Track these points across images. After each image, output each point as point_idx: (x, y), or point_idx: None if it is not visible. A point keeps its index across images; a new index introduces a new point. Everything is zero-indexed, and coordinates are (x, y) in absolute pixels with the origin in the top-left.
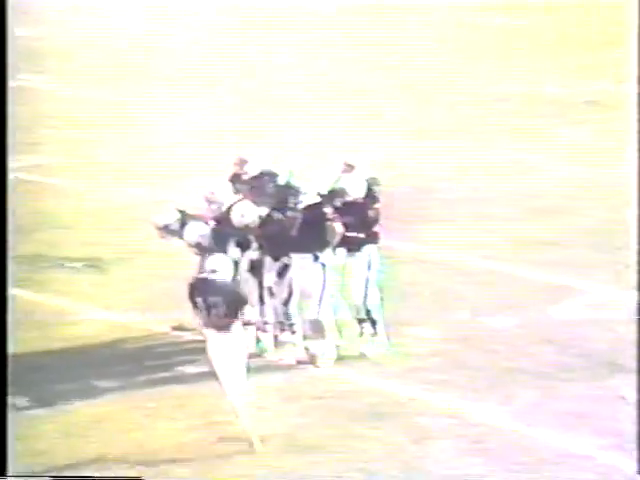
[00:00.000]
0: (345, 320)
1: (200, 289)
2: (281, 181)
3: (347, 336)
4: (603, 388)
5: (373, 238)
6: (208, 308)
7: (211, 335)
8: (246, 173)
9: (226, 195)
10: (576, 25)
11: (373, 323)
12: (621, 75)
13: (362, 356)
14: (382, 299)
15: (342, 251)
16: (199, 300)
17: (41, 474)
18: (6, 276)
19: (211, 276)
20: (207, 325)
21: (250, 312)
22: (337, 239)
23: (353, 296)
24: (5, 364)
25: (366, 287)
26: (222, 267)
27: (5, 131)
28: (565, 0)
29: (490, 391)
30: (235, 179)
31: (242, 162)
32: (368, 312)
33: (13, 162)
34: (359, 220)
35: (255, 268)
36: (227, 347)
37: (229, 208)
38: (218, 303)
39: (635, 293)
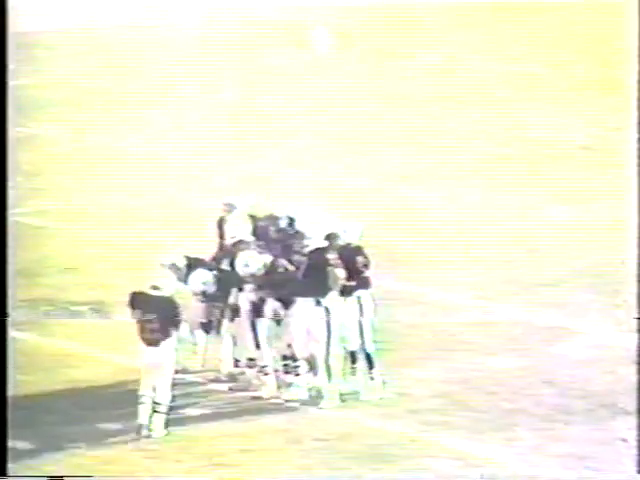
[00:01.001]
0: (341, 363)
1: (138, 302)
2: (282, 224)
3: (345, 379)
4: (604, 430)
5: (364, 284)
6: (142, 322)
7: (143, 348)
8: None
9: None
10: (573, 69)
11: (370, 367)
12: (617, 121)
13: (356, 398)
14: (377, 342)
15: (334, 295)
16: (137, 312)
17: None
18: (6, 320)
19: (151, 291)
20: (141, 338)
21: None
22: (339, 285)
23: (348, 341)
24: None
25: (361, 331)
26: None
27: (5, 177)
28: (562, 45)
29: (491, 432)
30: (222, 223)
31: (230, 207)
32: (367, 356)
33: (17, 208)
34: (350, 266)
35: (260, 313)
36: (155, 362)
37: (233, 257)
38: (153, 319)
39: (635, 336)
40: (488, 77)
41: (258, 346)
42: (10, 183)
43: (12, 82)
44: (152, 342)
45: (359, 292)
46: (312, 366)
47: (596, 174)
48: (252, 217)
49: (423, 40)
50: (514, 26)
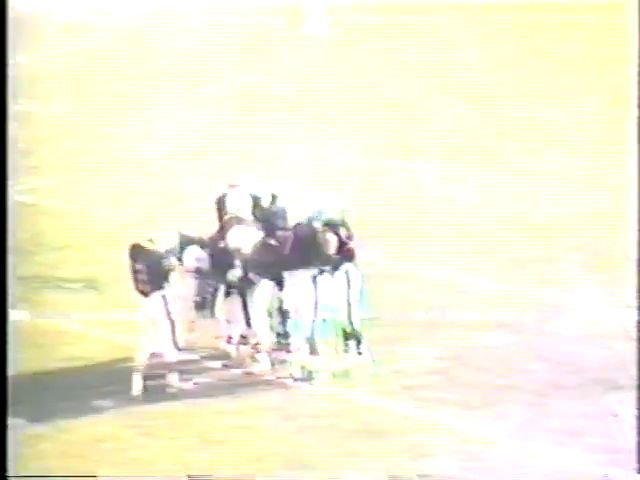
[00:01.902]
0: (332, 338)
1: (134, 253)
2: (265, 204)
3: (335, 354)
4: (596, 405)
5: (350, 256)
6: (135, 272)
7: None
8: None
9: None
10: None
11: (357, 342)
12: (616, 98)
13: (346, 374)
14: (370, 319)
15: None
16: (130, 264)
17: (41, 475)
18: (6, 297)
19: (145, 244)
20: (135, 289)
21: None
22: (334, 248)
23: (337, 315)
24: (5, 382)
25: (348, 305)
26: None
27: (5, 155)
28: (561, 22)
29: (484, 408)
30: (221, 202)
31: (232, 187)
32: (353, 330)
33: (13, 185)
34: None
35: (252, 290)
36: (149, 314)
37: (224, 232)
38: (143, 270)
39: (633, 311)
40: (486, 63)
41: (250, 323)
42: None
43: (10, 58)
44: (143, 293)
45: (346, 265)
46: (304, 342)
47: (592, 153)
48: (252, 197)
49: (420, 23)
50: (512, 22)
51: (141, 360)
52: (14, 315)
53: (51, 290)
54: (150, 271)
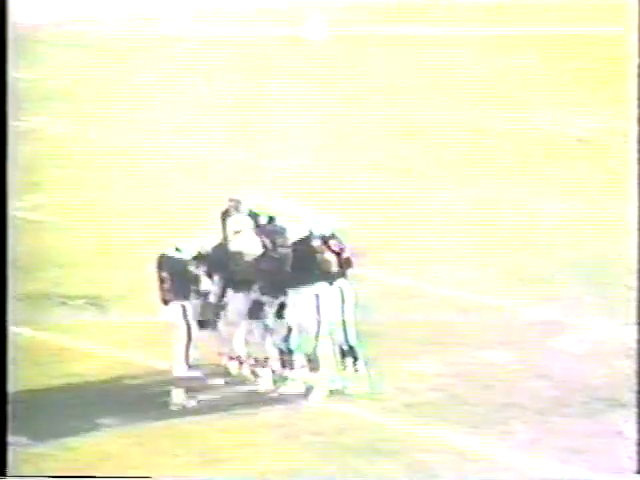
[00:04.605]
0: (333, 357)
1: (160, 263)
2: (263, 221)
3: (335, 371)
4: (601, 423)
5: (347, 265)
6: (160, 281)
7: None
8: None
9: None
10: (571, 61)
11: (354, 359)
12: (616, 114)
13: (342, 392)
14: (372, 336)
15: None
16: (158, 272)
17: (41, 475)
18: (6, 314)
19: (171, 253)
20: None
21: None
22: (333, 268)
23: (334, 332)
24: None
25: (343, 322)
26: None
27: (5, 171)
28: (559, 35)
29: (488, 426)
30: (225, 216)
31: (236, 203)
32: (349, 347)
33: (15, 202)
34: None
35: (255, 308)
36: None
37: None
38: (166, 277)
39: (633, 328)
40: (485, 72)
41: (254, 340)
42: (11, 179)
43: (11, 75)
44: (164, 301)
45: (340, 282)
46: (307, 359)
47: (593, 167)
48: (251, 214)
49: (420, 32)
50: (513, 22)
51: (180, 373)
52: (17, 332)
53: (55, 307)
54: (173, 280)
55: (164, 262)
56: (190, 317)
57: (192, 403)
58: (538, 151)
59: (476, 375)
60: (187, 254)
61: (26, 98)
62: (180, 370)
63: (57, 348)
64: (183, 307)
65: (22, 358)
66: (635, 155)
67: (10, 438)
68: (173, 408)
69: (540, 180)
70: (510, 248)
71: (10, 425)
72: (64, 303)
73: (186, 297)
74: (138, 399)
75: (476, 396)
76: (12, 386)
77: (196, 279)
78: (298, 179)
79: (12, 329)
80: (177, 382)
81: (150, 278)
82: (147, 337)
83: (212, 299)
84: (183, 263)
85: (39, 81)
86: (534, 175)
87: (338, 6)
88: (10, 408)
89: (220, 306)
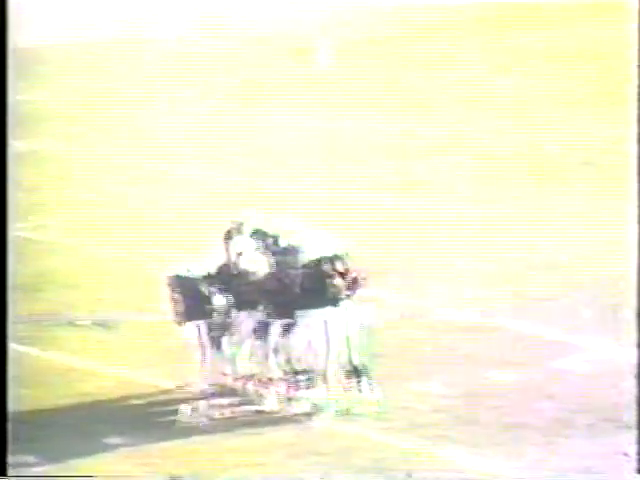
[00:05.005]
0: (338, 375)
1: (172, 284)
2: (269, 241)
3: (341, 391)
4: (606, 445)
5: (355, 286)
6: (174, 302)
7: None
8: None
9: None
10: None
11: (358, 379)
12: (617, 134)
13: (348, 412)
14: (377, 356)
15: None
16: (168, 293)
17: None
18: (6, 334)
19: (183, 273)
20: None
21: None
22: (342, 294)
23: (339, 353)
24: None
25: (348, 342)
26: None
27: (6, 193)
28: (563, 59)
29: (493, 447)
30: (228, 238)
31: (238, 225)
32: (354, 368)
33: (18, 222)
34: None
35: (260, 328)
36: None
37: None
38: (178, 298)
39: (635, 350)
40: (484, 89)
41: (259, 360)
42: (11, 198)
43: (12, 97)
44: (177, 322)
45: (345, 302)
46: (313, 380)
47: (599, 189)
48: (262, 233)
49: (420, 52)
50: (513, 37)
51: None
52: (23, 351)
53: (62, 327)
54: (184, 300)
55: (176, 282)
56: (205, 336)
57: (204, 421)
58: (547, 171)
59: (481, 396)
60: (197, 273)
61: (27, 119)
62: (197, 388)
63: (66, 368)
64: (198, 327)
65: (31, 378)
66: (636, 177)
67: (17, 458)
68: (180, 425)
69: (547, 200)
70: (516, 268)
71: (17, 445)
72: (73, 323)
73: (200, 316)
74: (144, 419)
75: (481, 416)
76: (20, 405)
77: (208, 298)
78: (302, 198)
79: (21, 349)
80: (193, 399)
81: (157, 297)
82: (153, 358)
83: (217, 319)
84: (195, 282)
85: (40, 102)
86: (540, 195)
87: (343, 27)
88: (19, 427)
89: (225, 326)
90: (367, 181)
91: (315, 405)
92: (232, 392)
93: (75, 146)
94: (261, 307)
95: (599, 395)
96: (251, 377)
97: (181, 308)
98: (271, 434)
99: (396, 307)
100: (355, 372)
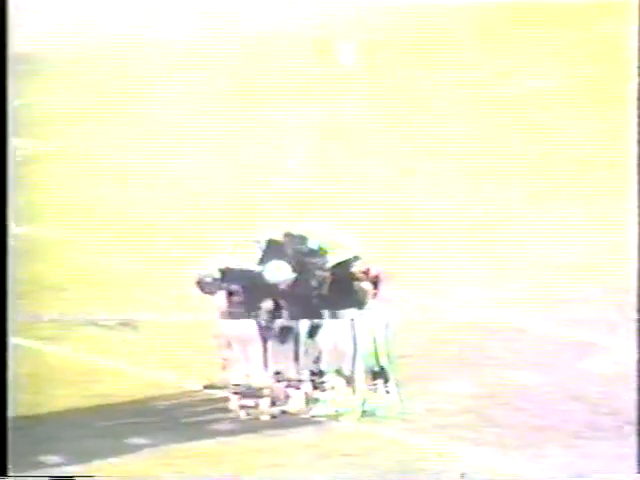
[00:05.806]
0: (364, 377)
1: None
2: (312, 245)
3: (366, 392)
4: (633, 447)
5: (378, 282)
6: (229, 294)
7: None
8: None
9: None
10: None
11: (385, 380)
12: (619, 137)
13: (373, 413)
14: (403, 357)
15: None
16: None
17: (41, 475)
18: (6, 332)
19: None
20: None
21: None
22: (369, 297)
23: (366, 355)
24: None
25: (374, 343)
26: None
27: (6, 196)
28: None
29: (520, 449)
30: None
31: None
32: (380, 369)
33: (35, 223)
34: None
35: (286, 329)
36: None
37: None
38: (238, 290)
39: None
40: (486, 91)
41: (285, 361)
42: (21, 198)
43: (13, 100)
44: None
45: (371, 303)
46: (339, 381)
47: (616, 189)
48: (288, 236)
49: (427, 56)
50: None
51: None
52: (48, 351)
53: (86, 327)
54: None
55: (232, 274)
56: (264, 330)
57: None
58: (564, 172)
59: (507, 397)
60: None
61: (28, 122)
62: (262, 381)
63: (89, 369)
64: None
65: (55, 378)
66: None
67: (42, 458)
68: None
69: (570, 201)
70: (542, 270)
71: (41, 445)
72: (96, 323)
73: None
74: (170, 420)
75: (507, 418)
76: (45, 406)
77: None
78: (316, 199)
79: (45, 349)
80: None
81: (183, 297)
82: (179, 358)
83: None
84: (253, 275)
85: (41, 105)
86: (563, 196)
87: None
88: (43, 427)
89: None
90: (381, 180)
91: (341, 406)
92: (259, 393)
93: (82, 146)
94: (287, 307)
95: (626, 397)
96: (277, 377)
97: (239, 300)
98: (297, 435)
99: (420, 308)
100: (381, 373)
